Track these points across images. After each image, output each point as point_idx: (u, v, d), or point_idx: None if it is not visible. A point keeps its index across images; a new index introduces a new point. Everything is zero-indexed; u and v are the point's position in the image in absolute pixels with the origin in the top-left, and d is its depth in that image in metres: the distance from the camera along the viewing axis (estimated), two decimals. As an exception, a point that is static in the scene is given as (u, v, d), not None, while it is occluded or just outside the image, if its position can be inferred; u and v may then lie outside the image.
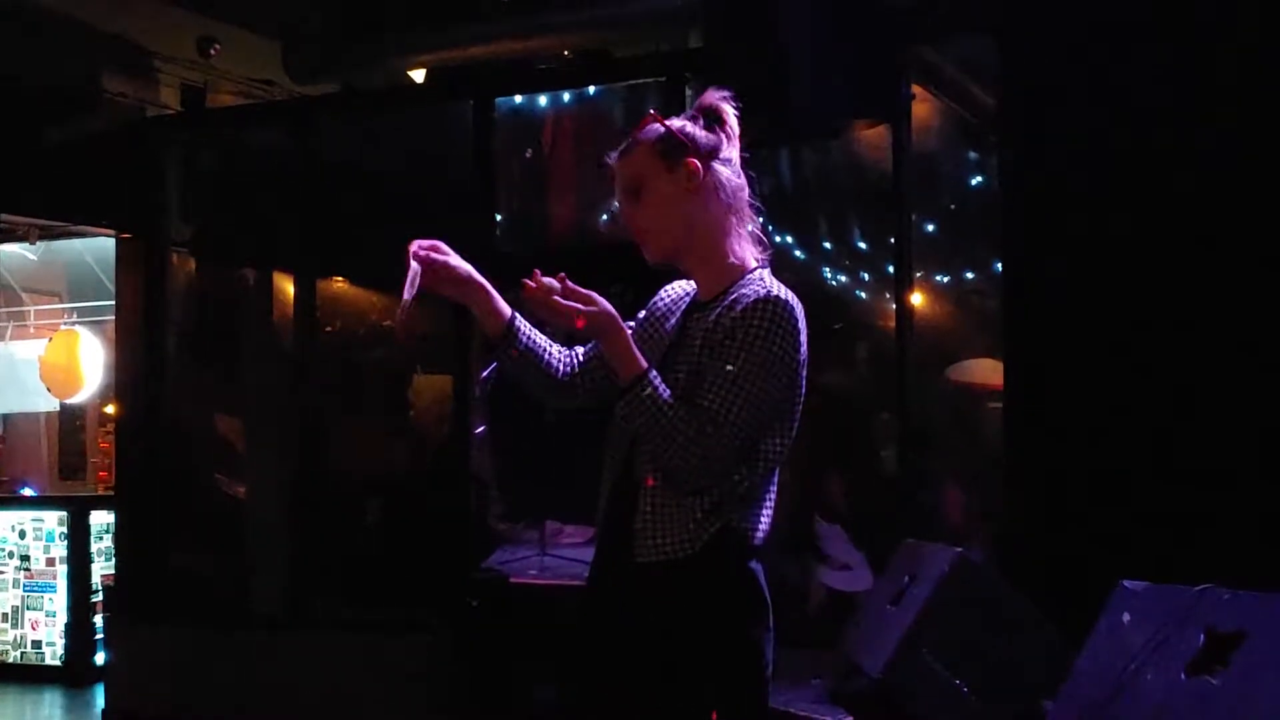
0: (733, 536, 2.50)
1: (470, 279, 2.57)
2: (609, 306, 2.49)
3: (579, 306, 2.45)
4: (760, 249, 2.65)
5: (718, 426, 2.42)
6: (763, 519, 2.55)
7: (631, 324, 2.66)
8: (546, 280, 2.47)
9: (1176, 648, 2.73)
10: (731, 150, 2.63)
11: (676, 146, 2.58)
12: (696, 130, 2.60)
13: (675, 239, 2.60)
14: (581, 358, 2.73)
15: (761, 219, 2.70)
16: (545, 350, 2.67)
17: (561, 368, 2.70)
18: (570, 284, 2.48)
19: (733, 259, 2.61)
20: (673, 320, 2.70)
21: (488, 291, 2.60)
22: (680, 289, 2.77)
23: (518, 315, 2.63)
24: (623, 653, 2.52)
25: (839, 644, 4.03)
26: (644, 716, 2.50)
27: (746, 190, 2.65)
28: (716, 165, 2.60)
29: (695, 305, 2.66)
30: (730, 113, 2.64)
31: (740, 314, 2.49)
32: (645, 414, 2.43)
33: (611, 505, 2.60)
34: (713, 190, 2.59)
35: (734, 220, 2.62)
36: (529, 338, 2.64)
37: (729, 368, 2.45)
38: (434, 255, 2.53)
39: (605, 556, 2.62)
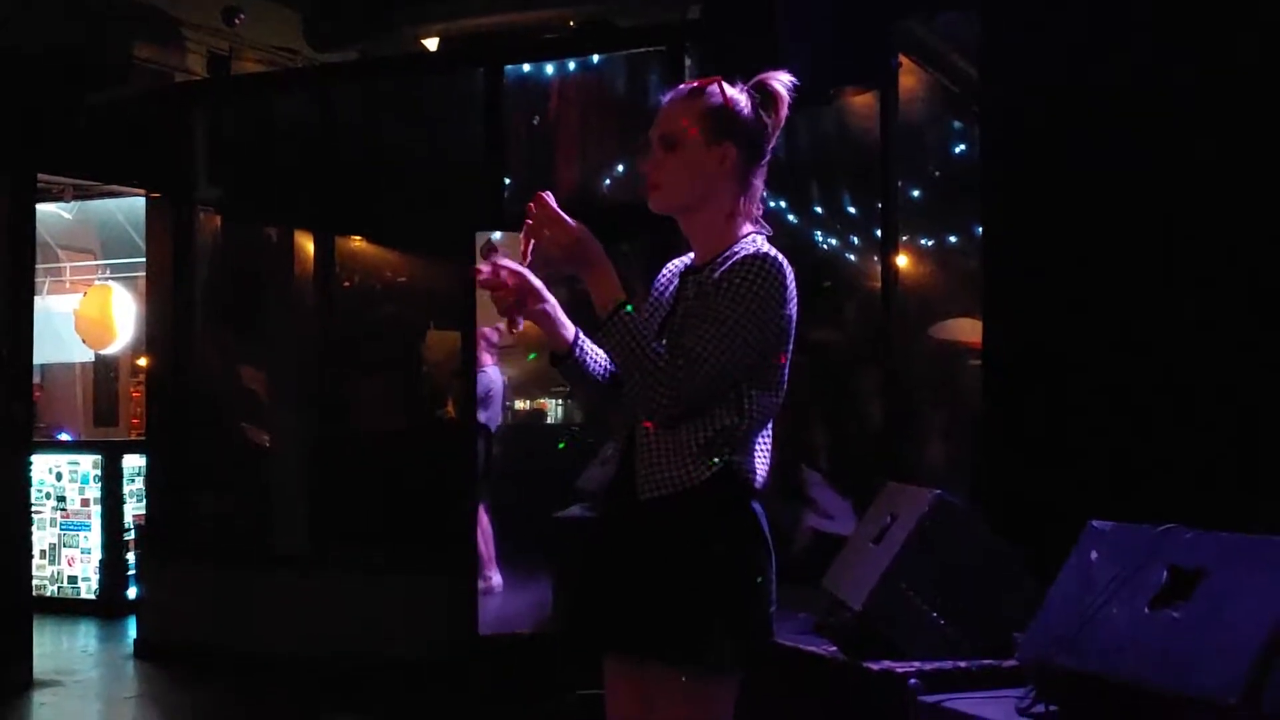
0: (734, 477, 2.51)
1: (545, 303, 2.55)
2: (593, 239, 2.48)
3: (567, 222, 2.48)
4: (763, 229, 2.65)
5: (690, 362, 2.40)
6: (759, 464, 2.55)
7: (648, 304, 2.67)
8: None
9: (1141, 583, 2.75)
10: (771, 138, 2.63)
11: (724, 127, 2.56)
12: (746, 116, 2.59)
13: (685, 201, 2.60)
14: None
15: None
16: (596, 362, 2.64)
17: (606, 374, 2.67)
18: (549, 204, 2.52)
19: (734, 234, 2.61)
20: (670, 289, 2.71)
21: (556, 313, 2.58)
22: (678, 265, 2.76)
23: (580, 333, 2.61)
24: (628, 582, 2.52)
25: (824, 580, 4.05)
26: (653, 643, 2.48)
27: (763, 190, 2.65)
28: (747, 156, 2.59)
29: (690, 270, 2.66)
30: (785, 101, 2.64)
31: (729, 268, 2.49)
32: (620, 342, 2.42)
33: (625, 450, 2.60)
34: (736, 178, 2.59)
35: (743, 203, 2.61)
36: (591, 355, 2.62)
37: (711, 310, 2.44)
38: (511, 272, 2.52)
39: (613, 494, 2.63)
